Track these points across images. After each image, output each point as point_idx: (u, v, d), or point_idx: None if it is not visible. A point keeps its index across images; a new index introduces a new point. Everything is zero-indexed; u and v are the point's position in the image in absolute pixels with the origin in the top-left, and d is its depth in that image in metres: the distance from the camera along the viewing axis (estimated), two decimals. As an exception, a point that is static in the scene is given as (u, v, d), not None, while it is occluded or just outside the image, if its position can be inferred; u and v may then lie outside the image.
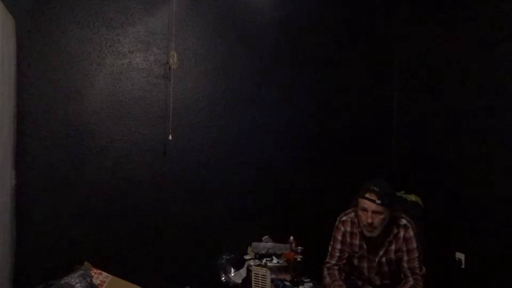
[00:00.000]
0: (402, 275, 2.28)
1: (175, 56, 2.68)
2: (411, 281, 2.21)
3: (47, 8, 2.50)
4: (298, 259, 2.74)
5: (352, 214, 2.35)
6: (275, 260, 2.73)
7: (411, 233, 2.24)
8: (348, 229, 2.34)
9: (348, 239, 2.34)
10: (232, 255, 2.83)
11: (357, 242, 2.32)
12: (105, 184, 2.63)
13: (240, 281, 2.69)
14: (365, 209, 2.17)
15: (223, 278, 2.75)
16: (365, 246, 2.29)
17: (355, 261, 2.36)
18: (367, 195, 2.16)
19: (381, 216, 2.15)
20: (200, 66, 2.83)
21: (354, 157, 3.23)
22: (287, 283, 2.55)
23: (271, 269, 2.60)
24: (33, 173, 2.48)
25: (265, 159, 3.00)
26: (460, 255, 2.68)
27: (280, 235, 2.90)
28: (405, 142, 3.24)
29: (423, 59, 3.09)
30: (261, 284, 2.45)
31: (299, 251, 2.78)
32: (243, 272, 2.73)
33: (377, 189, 2.15)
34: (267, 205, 3.01)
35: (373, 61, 3.29)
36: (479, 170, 2.60)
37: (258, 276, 2.47)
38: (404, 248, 2.24)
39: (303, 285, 2.61)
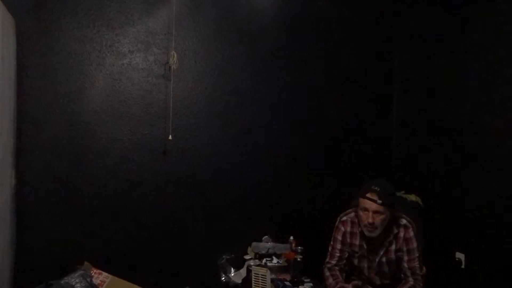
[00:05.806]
0: (402, 275, 2.28)
1: (175, 56, 2.68)
2: (411, 281, 2.21)
3: (47, 8, 2.50)
4: (298, 259, 2.73)
5: (352, 214, 2.34)
6: (275, 260, 2.73)
7: (411, 233, 2.24)
8: (348, 229, 2.34)
9: (348, 239, 2.34)
10: (232, 255, 2.83)
11: (357, 242, 2.31)
12: (105, 184, 2.63)
13: (240, 281, 2.69)
14: (366, 209, 2.17)
15: (223, 278, 2.75)
16: (365, 246, 2.29)
17: (355, 261, 2.36)
18: (368, 195, 2.16)
19: (382, 216, 2.15)
20: (200, 66, 2.83)
21: (354, 157, 3.23)
22: (287, 283, 2.55)
23: (271, 269, 2.59)
24: (33, 173, 2.48)
25: (265, 159, 3.00)
26: (460, 255, 2.68)
27: (280, 235, 2.90)
28: (405, 142, 3.24)
29: (423, 59, 3.09)
30: (261, 284, 2.44)
31: (299, 251, 2.78)
32: (243, 272, 2.73)
33: (378, 189, 2.15)
34: (267, 205, 3.01)
35: (373, 60, 3.29)
36: (479, 170, 2.60)
37: (258, 276, 2.46)
38: (405, 248, 2.24)
39: (303, 285, 2.61)
